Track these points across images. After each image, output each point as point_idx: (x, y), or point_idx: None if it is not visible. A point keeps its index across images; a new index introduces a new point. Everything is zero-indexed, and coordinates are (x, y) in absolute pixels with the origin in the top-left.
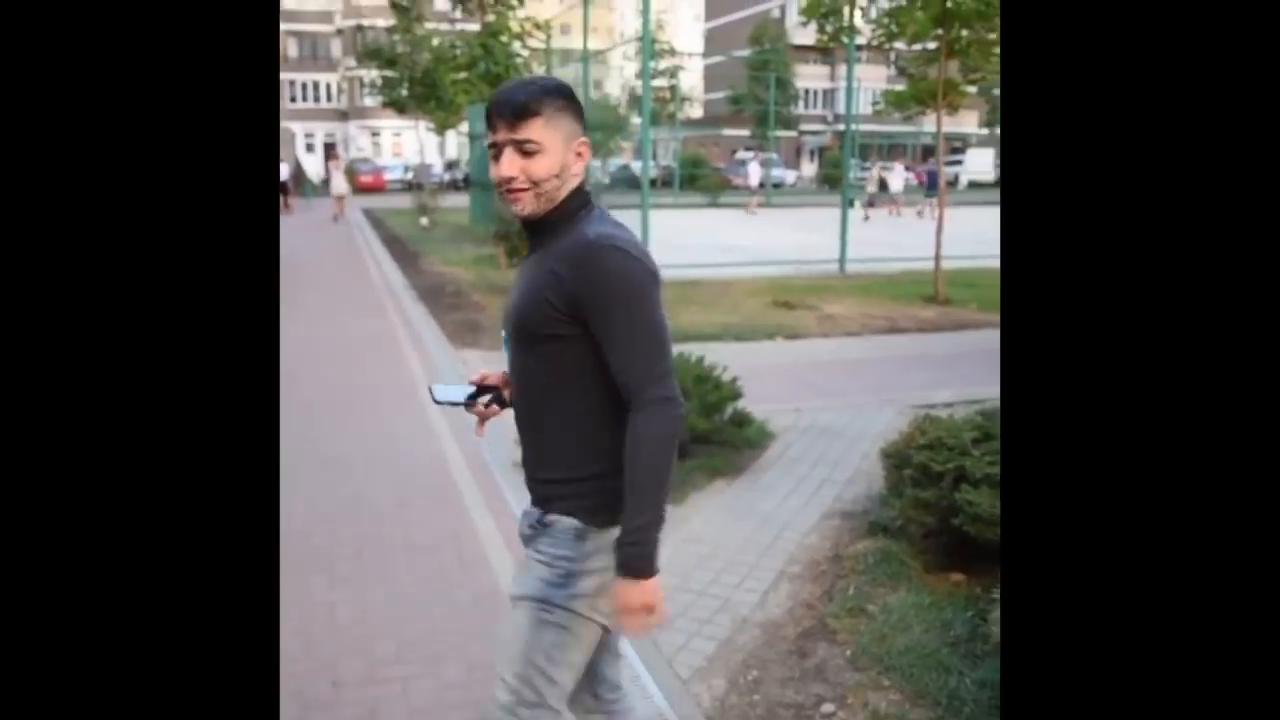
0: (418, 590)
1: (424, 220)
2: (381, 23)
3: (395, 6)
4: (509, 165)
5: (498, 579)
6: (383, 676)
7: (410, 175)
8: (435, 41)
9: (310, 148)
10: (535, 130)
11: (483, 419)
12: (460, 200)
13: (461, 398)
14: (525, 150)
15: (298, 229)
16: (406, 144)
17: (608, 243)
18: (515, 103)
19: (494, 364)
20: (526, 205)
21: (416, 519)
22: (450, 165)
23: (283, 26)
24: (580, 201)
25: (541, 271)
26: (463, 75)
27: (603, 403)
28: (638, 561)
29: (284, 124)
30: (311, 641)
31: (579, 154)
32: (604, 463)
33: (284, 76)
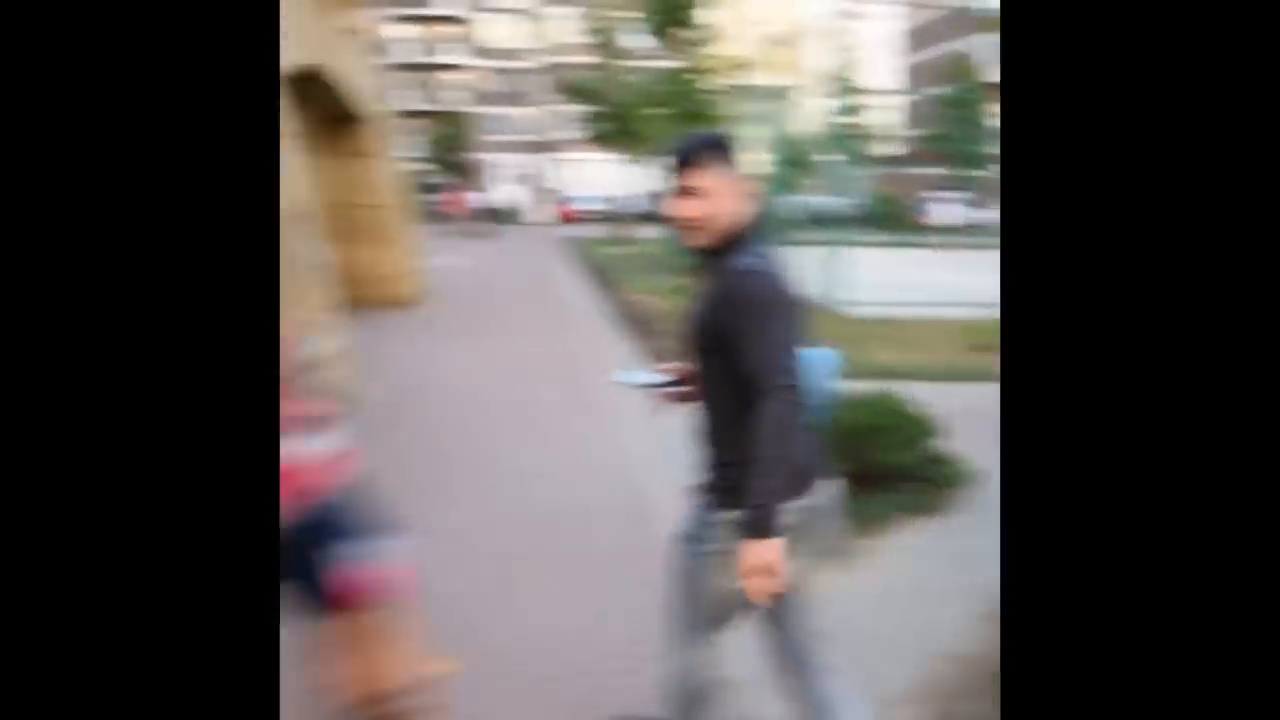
0: (621, 595)
1: (621, 250)
2: (581, 59)
3: (595, 45)
4: (677, 206)
5: None
6: (597, 670)
7: (608, 206)
8: (632, 78)
9: (510, 179)
10: (696, 178)
11: (666, 402)
12: (658, 231)
13: (645, 382)
14: (690, 193)
15: (498, 256)
16: (604, 176)
17: (744, 269)
18: (679, 153)
19: None
20: (693, 239)
21: (615, 528)
22: (648, 196)
23: (485, 62)
24: (739, 236)
25: (702, 295)
26: (659, 111)
27: (744, 404)
28: (758, 523)
29: (484, 155)
30: (524, 641)
31: (739, 195)
32: (738, 453)
33: (485, 110)
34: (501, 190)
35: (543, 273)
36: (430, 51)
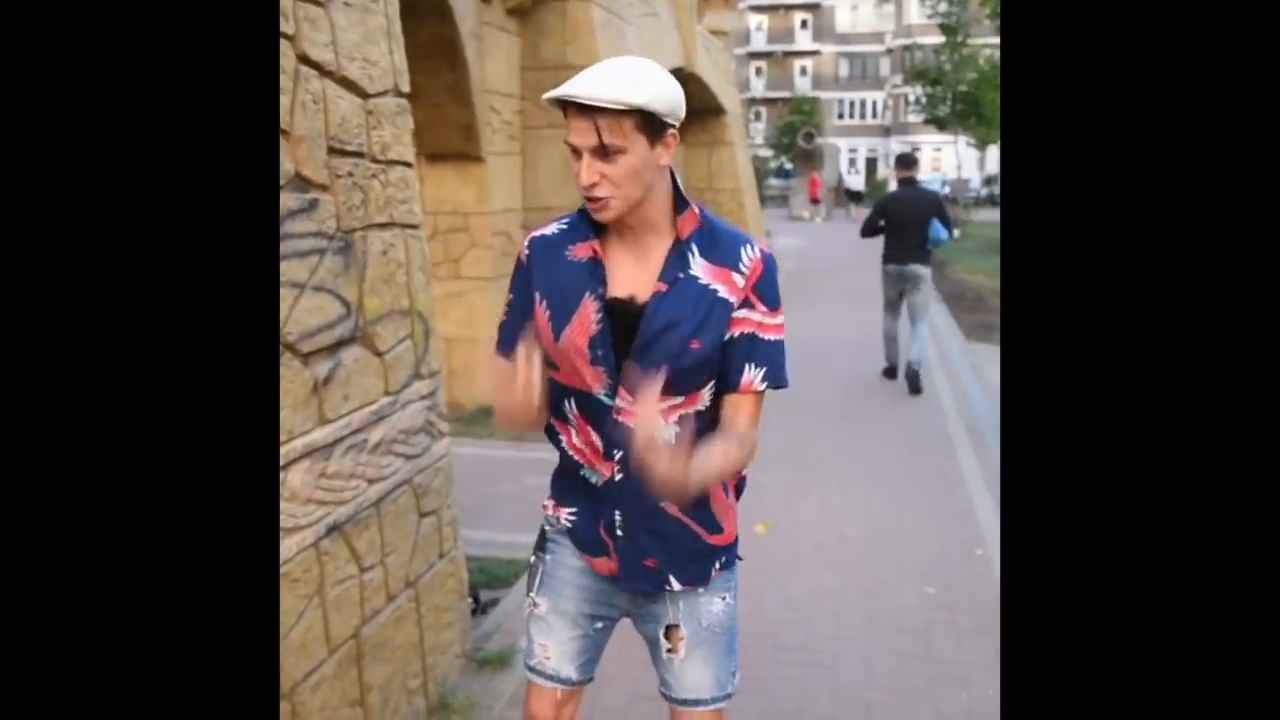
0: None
1: (955, 233)
2: (930, 41)
3: (944, 27)
4: None
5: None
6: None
7: (946, 190)
8: (981, 61)
9: (853, 163)
10: None
11: None
12: (994, 215)
13: None
14: None
15: (833, 237)
16: (945, 159)
17: None
18: None
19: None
20: None
21: (876, 400)
22: (989, 180)
23: (836, 48)
24: None
25: None
26: None
27: None
28: None
29: (831, 140)
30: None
31: None
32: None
33: (834, 95)
34: (846, 174)
35: (871, 252)
36: (782, 38)
